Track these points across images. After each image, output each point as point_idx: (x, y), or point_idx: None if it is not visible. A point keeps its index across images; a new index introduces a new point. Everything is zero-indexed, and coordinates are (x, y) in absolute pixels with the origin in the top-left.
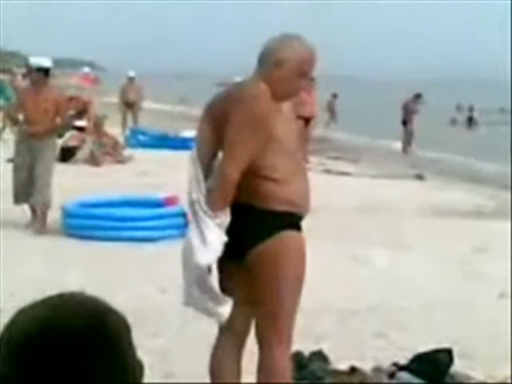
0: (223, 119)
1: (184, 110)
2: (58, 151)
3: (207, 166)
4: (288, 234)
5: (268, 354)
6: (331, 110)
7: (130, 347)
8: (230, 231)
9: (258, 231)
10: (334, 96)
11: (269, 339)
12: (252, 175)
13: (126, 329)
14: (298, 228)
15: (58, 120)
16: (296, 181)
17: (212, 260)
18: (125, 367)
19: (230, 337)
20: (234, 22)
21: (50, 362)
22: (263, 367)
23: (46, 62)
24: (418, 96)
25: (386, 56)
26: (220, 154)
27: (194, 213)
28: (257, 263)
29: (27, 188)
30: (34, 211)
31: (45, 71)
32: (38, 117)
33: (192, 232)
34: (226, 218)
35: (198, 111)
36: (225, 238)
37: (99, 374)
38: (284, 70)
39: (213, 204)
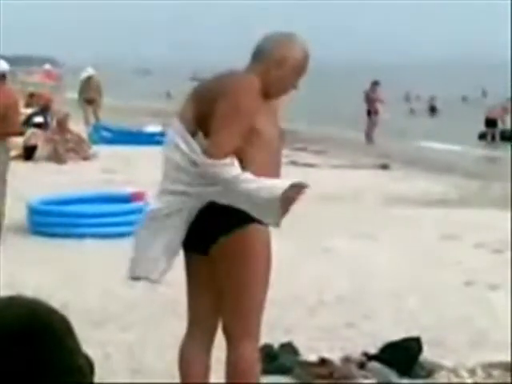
0: (208, 105)
1: (148, 106)
2: (20, 150)
3: None
4: (253, 227)
5: (235, 348)
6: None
7: (75, 346)
8: (195, 224)
9: (224, 223)
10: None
11: (236, 334)
12: None
13: (69, 328)
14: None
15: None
16: (268, 176)
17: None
18: (72, 365)
19: (198, 332)
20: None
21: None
22: (231, 362)
23: (4, 65)
24: (375, 83)
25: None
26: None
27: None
28: (223, 256)
29: None
30: None
31: (2, 75)
32: None
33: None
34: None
35: (161, 106)
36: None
37: (47, 372)
38: (283, 70)
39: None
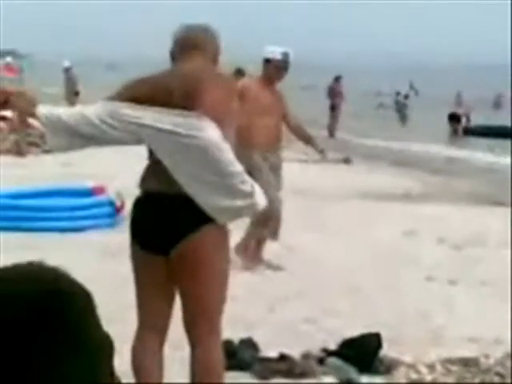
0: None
1: None
2: None
3: None
4: (216, 225)
5: (204, 347)
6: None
7: (95, 321)
8: (154, 224)
9: (190, 222)
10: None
11: (204, 332)
12: None
13: (91, 303)
14: None
15: None
16: None
17: None
18: (93, 342)
19: (150, 333)
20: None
21: (11, 344)
22: (198, 361)
23: None
24: (337, 79)
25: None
26: None
27: None
28: (187, 255)
29: None
30: None
31: None
32: None
33: None
34: None
35: None
36: None
37: (68, 355)
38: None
39: None
